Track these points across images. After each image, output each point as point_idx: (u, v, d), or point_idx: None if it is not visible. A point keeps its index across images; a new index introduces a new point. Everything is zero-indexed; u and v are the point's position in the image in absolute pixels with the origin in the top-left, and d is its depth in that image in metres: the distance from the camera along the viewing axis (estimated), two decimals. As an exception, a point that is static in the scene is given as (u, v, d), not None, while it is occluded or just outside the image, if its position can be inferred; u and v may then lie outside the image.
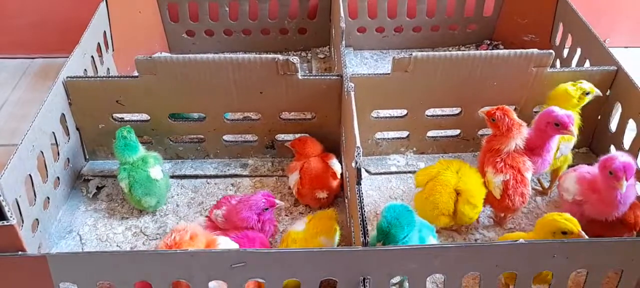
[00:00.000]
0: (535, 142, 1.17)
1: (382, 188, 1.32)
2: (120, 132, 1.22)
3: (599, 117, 1.37)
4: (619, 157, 1.04)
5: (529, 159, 1.16)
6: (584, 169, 1.13)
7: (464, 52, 1.31)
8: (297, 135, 1.38)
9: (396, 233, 0.93)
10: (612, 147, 1.33)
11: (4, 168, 1.02)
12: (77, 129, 1.32)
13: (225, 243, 1.02)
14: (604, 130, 1.36)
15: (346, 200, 1.18)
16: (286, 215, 1.25)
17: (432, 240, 1.03)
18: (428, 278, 0.92)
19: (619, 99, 1.29)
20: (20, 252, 0.84)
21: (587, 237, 0.94)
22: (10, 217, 0.82)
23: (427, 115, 1.35)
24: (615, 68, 1.29)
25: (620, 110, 1.30)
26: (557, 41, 1.63)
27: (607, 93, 1.32)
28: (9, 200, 0.85)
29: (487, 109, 1.19)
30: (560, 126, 1.12)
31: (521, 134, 1.15)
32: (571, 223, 0.95)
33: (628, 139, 1.28)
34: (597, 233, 1.05)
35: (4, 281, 0.87)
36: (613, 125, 1.33)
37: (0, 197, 0.83)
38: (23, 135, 1.10)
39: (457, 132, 1.39)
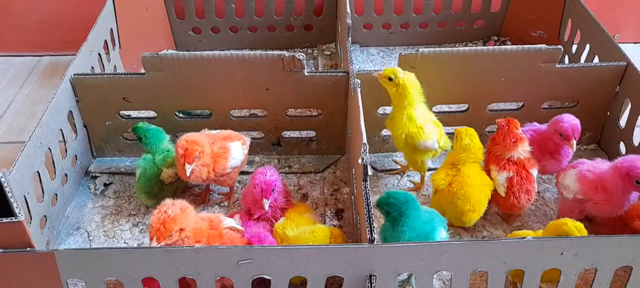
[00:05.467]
0: (552, 146, 1.16)
1: (389, 185, 1.32)
2: (139, 128, 1.22)
3: (608, 113, 1.36)
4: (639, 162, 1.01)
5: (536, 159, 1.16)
6: (585, 167, 1.11)
7: (471, 47, 1.30)
8: (303, 132, 1.38)
9: (395, 200, 0.97)
10: (622, 144, 1.32)
11: (12, 165, 1.03)
12: (85, 126, 1.33)
13: (222, 221, 1.03)
14: (613, 126, 1.35)
15: (353, 197, 1.18)
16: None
17: (443, 232, 1.02)
18: (435, 276, 0.92)
19: (629, 95, 1.28)
20: (28, 248, 0.85)
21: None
22: (19, 213, 0.83)
23: (433, 112, 1.34)
24: (625, 64, 1.28)
25: (629, 106, 1.29)
26: (566, 37, 1.62)
27: (617, 89, 1.31)
28: (17, 197, 0.85)
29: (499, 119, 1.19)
30: None
31: (516, 149, 1.13)
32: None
33: (637, 135, 1.27)
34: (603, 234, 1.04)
35: (13, 277, 0.88)
36: (622, 122, 1.32)
37: (8, 194, 0.84)
38: (31, 133, 1.10)
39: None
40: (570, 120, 1.15)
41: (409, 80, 1.16)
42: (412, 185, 1.31)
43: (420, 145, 1.18)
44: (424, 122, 1.18)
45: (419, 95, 1.19)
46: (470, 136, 1.14)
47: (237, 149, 1.21)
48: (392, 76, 1.16)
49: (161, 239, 0.93)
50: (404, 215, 0.98)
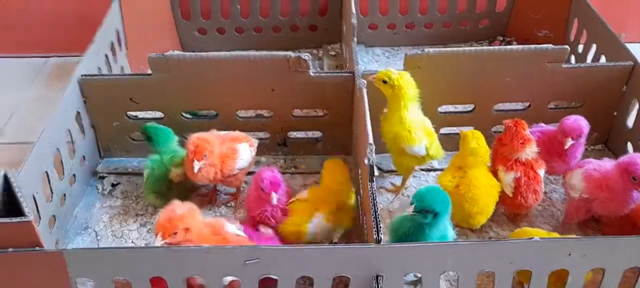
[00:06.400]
0: (559, 146, 1.16)
1: (395, 185, 1.32)
2: (149, 127, 1.23)
3: (616, 114, 1.35)
4: None
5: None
6: (591, 166, 1.11)
7: (476, 47, 1.30)
8: (309, 133, 1.39)
9: (431, 200, 0.94)
10: (629, 145, 1.31)
11: (21, 165, 1.04)
12: (92, 126, 1.34)
13: (231, 228, 1.03)
14: (620, 126, 1.34)
15: (359, 198, 1.18)
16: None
17: (452, 232, 1.02)
18: (442, 276, 0.92)
19: (636, 95, 1.27)
20: (37, 248, 0.85)
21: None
22: (28, 213, 0.83)
23: (439, 112, 1.34)
24: (632, 63, 1.27)
25: (637, 106, 1.28)
26: (572, 37, 1.61)
27: (624, 89, 1.30)
28: (26, 197, 0.86)
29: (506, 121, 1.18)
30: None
31: (524, 150, 1.13)
32: None
33: (645, 136, 1.26)
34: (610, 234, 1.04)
35: (22, 276, 0.88)
36: (629, 122, 1.31)
37: (18, 194, 0.84)
38: (39, 133, 1.11)
39: (470, 129, 1.38)
40: (575, 121, 1.15)
41: (403, 79, 1.16)
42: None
43: (406, 149, 1.18)
44: (414, 127, 1.17)
45: (414, 92, 1.18)
46: (477, 139, 1.14)
47: (245, 151, 1.21)
48: (386, 79, 1.15)
49: (166, 235, 0.93)
50: (438, 216, 0.96)
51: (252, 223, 1.14)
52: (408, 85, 1.16)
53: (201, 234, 0.98)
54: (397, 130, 1.17)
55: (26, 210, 0.84)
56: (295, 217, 1.12)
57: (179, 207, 0.96)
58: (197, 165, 1.11)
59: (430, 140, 1.20)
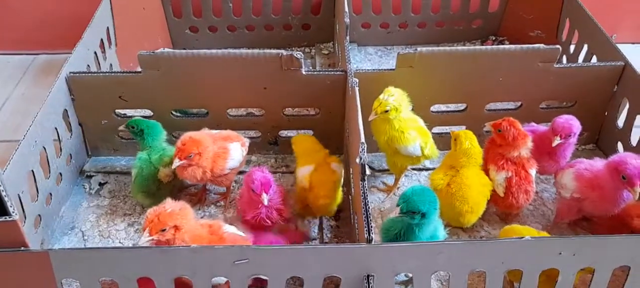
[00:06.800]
0: (550, 146, 1.15)
1: (387, 185, 1.31)
2: (140, 121, 1.21)
3: (606, 113, 1.36)
4: (630, 159, 1.01)
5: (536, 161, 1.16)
6: (582, 166, 1.11)
7: (469, 47, 1.30)
8: (301, 132, 1.38)
9: (417, 201, 0.93)
10: (620, 144, 1.31)
11: (6, 164, 1.02)
12: (80, 124, 1.32)
13: (232, 230, 1.01)
14: (611, 126, 1.34)
15: (350, 197, 1.18)
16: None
17: (442, 231, 1.02)
18: (433, 276, 0.91)
19: (626, 95, 1.28)
20: (22, 248, 0.84)
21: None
22: (13, 212, 0.82)
23: (432, 111, 1.34)
24: (623, 64, 1.28)
25: (627, 106, 1.29)
26: (564, 37, 1.62)
27: (614, 89, 1.31)
28: (11, 196, 0.85)
29: (492, 122, 1.18)
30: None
31: (526, 145, 1.13)
32: None
33: (635, 135, 1.27)
34: (601, 234, 1.04)
35: (7, 277, 0.87)
36: (620, 122, 1.32)
37: (2, 193, 0.83)
38: (25, 131, 1.09)
39: (463, 128, 1.38)
40: (567, 120, 1.15)
41: (399, 99, 1.15)
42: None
43: (401, 150, 1.17)
44: (406, 128, 1.17)
45: (407, 103, 1.18)
46: (470, 140, 1.13)
47: (236, 150, 1.20)
48: (387, 108, 1.14)
49: (153, 231, 0.91)
50: (426, 216, 0.95)
51: (248, 226, 1.12)
52: (403, 102, 1.16)
53: (196, 234, 0.97)
54: (389, 132, 1.17)
55: (11, 209, 0.82)
56: (322, 177, 1.13)
57: (170, 204, 0.95)
58: (176, 163, 1.11)
59: (425, 139, 1.20)
